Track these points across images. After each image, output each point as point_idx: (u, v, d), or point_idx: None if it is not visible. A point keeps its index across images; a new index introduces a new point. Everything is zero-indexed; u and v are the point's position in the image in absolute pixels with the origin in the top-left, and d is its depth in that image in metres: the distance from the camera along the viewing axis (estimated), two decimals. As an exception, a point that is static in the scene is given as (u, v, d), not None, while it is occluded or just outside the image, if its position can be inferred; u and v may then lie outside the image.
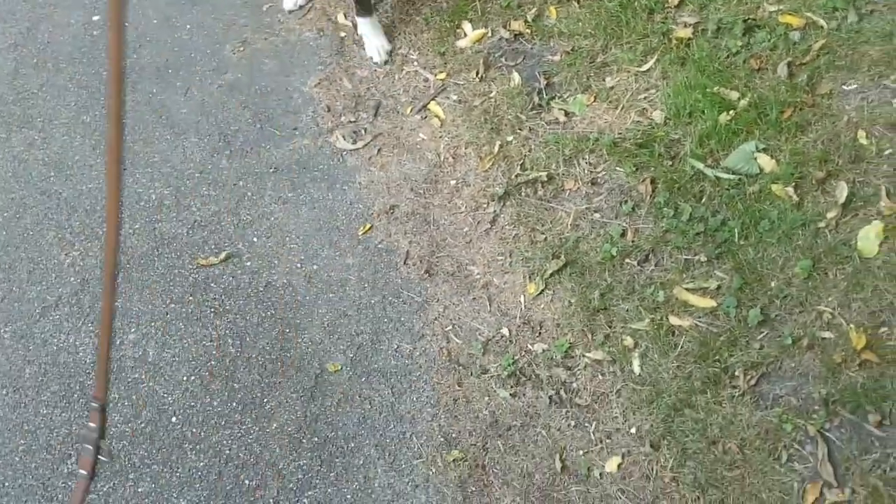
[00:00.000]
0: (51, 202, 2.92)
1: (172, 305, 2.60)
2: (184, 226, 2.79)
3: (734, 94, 2.54)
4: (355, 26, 3.13)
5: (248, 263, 2.66)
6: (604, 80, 2.72)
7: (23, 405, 2.48)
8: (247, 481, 2.22)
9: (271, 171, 2.89)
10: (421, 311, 2.46)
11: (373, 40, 3.06)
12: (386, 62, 3.04)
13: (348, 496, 2.16)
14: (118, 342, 2.53)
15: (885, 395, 1.95)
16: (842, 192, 2.27)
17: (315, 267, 2.62)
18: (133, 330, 2.56)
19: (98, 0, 3.56)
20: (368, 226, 2.67)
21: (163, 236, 2.77)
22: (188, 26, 3.42)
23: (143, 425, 2.37)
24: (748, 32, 2.70)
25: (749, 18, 2.74)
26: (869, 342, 2.02)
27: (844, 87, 2.52)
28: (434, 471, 2.17)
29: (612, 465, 2.08)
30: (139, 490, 2.26)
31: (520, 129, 2.71)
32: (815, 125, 2.45)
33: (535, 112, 2.73)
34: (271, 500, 2.18)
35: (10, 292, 2.71)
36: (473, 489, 2.13)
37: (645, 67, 2.69)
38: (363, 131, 2.92)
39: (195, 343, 2.50)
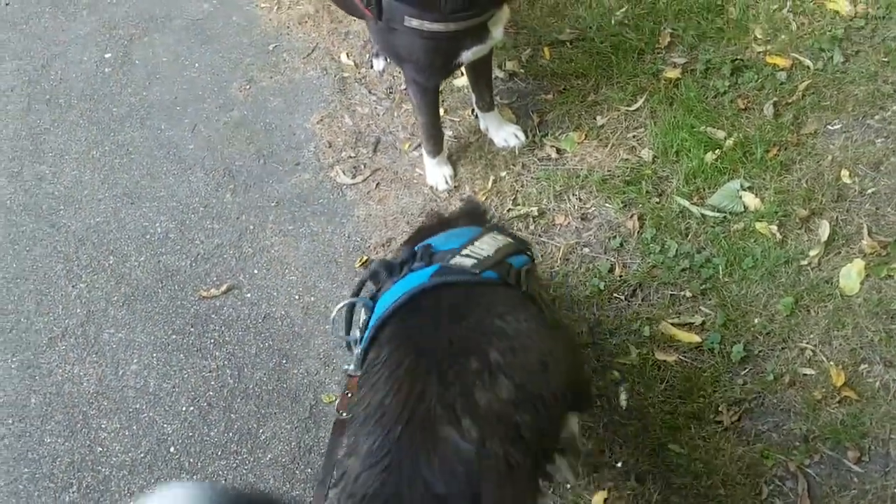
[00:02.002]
0: (59, 235, 3.01)
1: (174, 336, 2.67)
2: (187, 258, 2.87)
3: (721, 133, 2.61)
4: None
5: (248, 295, 2.74)
6: (594, 118, 2.80)
7: (27, 434, 2.56)
8: (241, 511, 2.27)
9: (273, 204, 2.98)
10: (414, 344, 2.51)
11: (436, 170, 2.85)
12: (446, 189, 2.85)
13: (340, 527, 2.21)
14: (120, 373, 2.61)
15: (864, 431, 1.98)
16: (824, 230, 2.33)
17: (312, 299, 2.69)
18: (135, 360, 2.64)
19: (110, 39, 3.69)
20: (365, 258, 2.74)
21: (167, 269, 2.86)
22: (197, 65, 3.53)
23: (142, 455, 2.43)
24: (736, 73, 2.78)
25: (737, 59, 2.81)
26: (849, 379, 2.06)
27: (829, 127, 2.58)
28: None
29: (598, 499, 2.11)
30: (137, 518, 2.32)
31: (513, 165, 2.78)
32: (799, 164, 2.51)
33: (527, 149, 2.81)
34: (265, 530, 2.23)
35: (18, 323, 2.80)
36: None
37: (634, 107, 2.77)
38: (363, 166, 3.00)
39: (195, 374, 2.57)
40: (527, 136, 2.82)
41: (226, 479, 2.32)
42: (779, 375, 2.12)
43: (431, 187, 2.83)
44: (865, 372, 2.07)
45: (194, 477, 2.34)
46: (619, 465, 2.16)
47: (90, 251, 2.95)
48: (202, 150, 3.21)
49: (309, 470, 2.32)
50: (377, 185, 2.94)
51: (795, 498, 1.95)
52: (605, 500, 2.12)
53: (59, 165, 3.25)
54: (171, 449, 2.42)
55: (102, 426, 2.52)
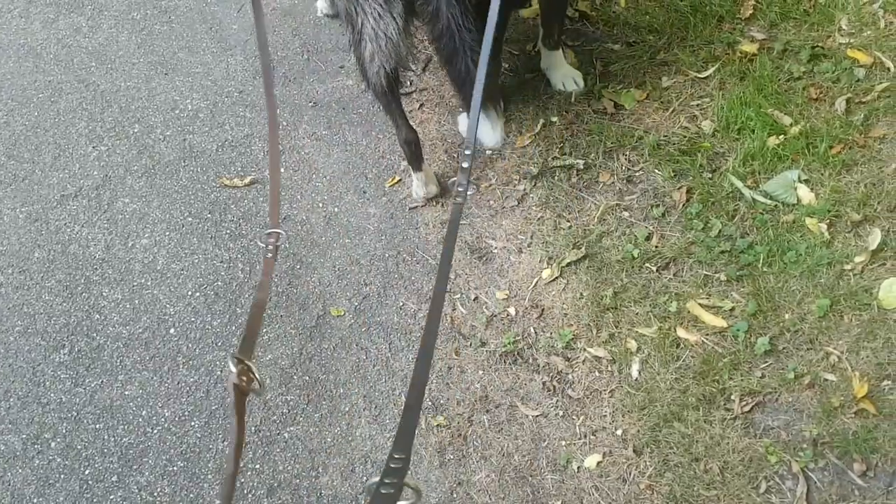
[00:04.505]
0: (87, 92, 2.90)
1: (189, 219, 2.60)
2: (214, 142, 2.78)
3: (787, 119, 2.50)
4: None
5: (271, 192, 2.65)
6: (660, 78, 2.68)
7: (26, 287, 2.50)
8: (232, 405, 2.23)
9: (311, 104, 2.87)
10: (432, 273, 2.46)
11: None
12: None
13: (328, 439, 2.18)
14: (129, 244, 2.54)
15: (876, 447, 1.95)
16: (874, 238, 2.25)
17: (336, 209, 2.61)
18: (147, 235, 2.57)
19: None
20: (397, 178, 2.66)
21: (192, 148, 2.76)
22: (253, -58, 3.36)
23: (140, 330, 2.39)
24: (813, 60, 2.65)
25: (817, 46, 2.68)
26: (870, 392, 2.02)
27: (899, 135, 2.47)
28: (416, 432, 2.18)
29: (591, 461, 2.09)
30: (126, 393, 2.29)
31: (566, 112, 2.68)
32: (861, 166, 2.41)
33: (584, 97, 2.69)
34: (253, 428, 2.20)
35: (32, 174, 2.71)
36: (451, 457, 2.15)
37: (704, 74, 2.65)
38: (409, 83, 2.88)
39: (206, 260, 2.50)
40: (585, 84, 2.70)
41: (222, 371, 2.28)
42: (799, 375, 2.07)
43: None
44: (888, 388, 2.03)
45: (191, 362, 2.30)
46: (619, 432, 2.13)
47: (116, 114, 2.85)
48: (245, 33, 3.08)
49: (306, 378, 2.28)
50: (420, 105, 2.84)
51: (793, 499, 1.92)
52: (599, 463, 2.09)
53: (96, 20, 3.11)
54: (171, 330, 2.38)
55: (104, 294, 2.46)
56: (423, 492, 1.09)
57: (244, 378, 1.12)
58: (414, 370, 1.14)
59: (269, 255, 1.39)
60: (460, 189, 1.39)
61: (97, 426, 2.24)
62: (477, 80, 1.51)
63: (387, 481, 0.96)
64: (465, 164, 1.43)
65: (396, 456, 0.99)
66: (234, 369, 1.11)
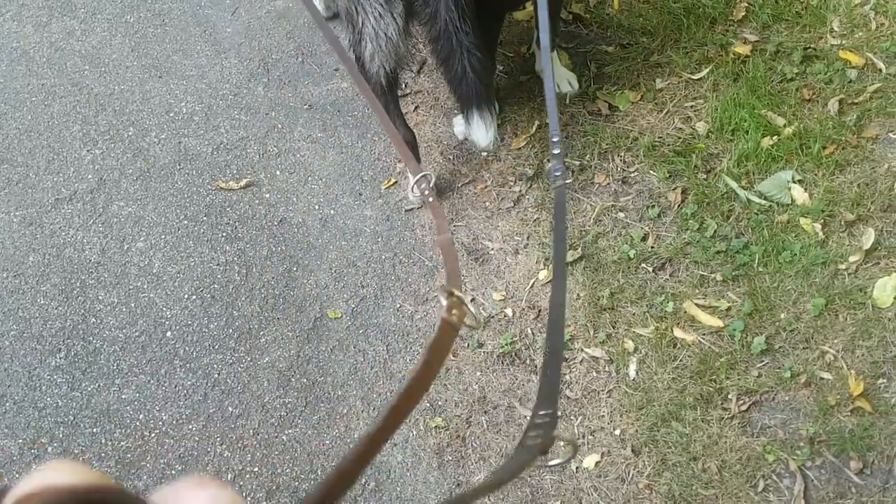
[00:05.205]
0: (81, 95, 2.89)
1: (185, 222, 2.59)
2: (209, 145, 2.77)
3: (780, 120, 2.52)
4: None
5: (267, 195, 2.65)
6: (654, 80, 2.69)
7: (21, 291, 2.49)
8: (230, 408, 2.23)
9: (306, 107, 2.87)
10: (429, 275, 2.46)
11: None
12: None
13: (327, 441, 2.18)
14: (125, 247, 2.53)
15: (872, 444, 1.96)
16: (868, 238, 2.26)
17: (332, 212, 2.61)
18: (142, 238, 2.56)
19: None
20: (392, 181, 2.66)
21: (187, 151, 2.76)
22: (247, -55, 3.36)
23: (136, 334, 2.38)
24: (806, 61, 2.67)
25: (809, 47, 2.70)
26: (866, 390, 2.03)
27: (891, 135, 2.49)
28: (415, 433, 2.18)
29: (590, 461, 2.10)
30: (123, 397, 2.28)
31: (561, 114, 2.68)
32: (854, 167, 2.43)
33: (578, 99, 2.70)
34: (251, 431, 2.20)
35: (27, 177, 2.70)
36: (449, 458, 2.15)
37: (697, 76, 2.66)
38: (404, 85, 2.89)
39: (202, 263, 2.50)
40: (580, 86, 2.71)
41: (220, 374, 2.28)
42: (796, 374, 2.09)
43: None
44: (883, 387, 2.04)
45: (188, 365, 2.30)
46: (618, 432, 2.14)
47: (110, 118, 2.84)
48: (240, 36, 3.08)
49: (304, 380, 2.28)
50: (416, 107, 2.84)
51: (790, 497, 1.94)
52: (598, 463, 2.10)
53: (89, 23, 3.10)
54: (168, 334, 2.37)
55: (100, 297, 2.45)
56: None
57: (454, 311, 0.99)
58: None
59: (431, 198, 1.45)
60: (558, 174, 1.49)
61: (94, 430, 2.22)
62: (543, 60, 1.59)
63: (532, 434, 0.91)
64: (555, 151, 1.55)
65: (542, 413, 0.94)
66: (444, 302, 0.99)
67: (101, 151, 2.76)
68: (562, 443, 0.94)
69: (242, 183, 2.67)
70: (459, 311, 0.99)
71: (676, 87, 2.66)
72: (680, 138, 2.54)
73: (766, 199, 2.37)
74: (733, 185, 2.40)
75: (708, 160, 2.49)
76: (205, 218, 2.60)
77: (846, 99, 2.58)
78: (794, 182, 2.39)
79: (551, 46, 2.65)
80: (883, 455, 1.97)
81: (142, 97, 2.88)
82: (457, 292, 1.00)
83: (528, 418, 0.96)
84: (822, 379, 2.08)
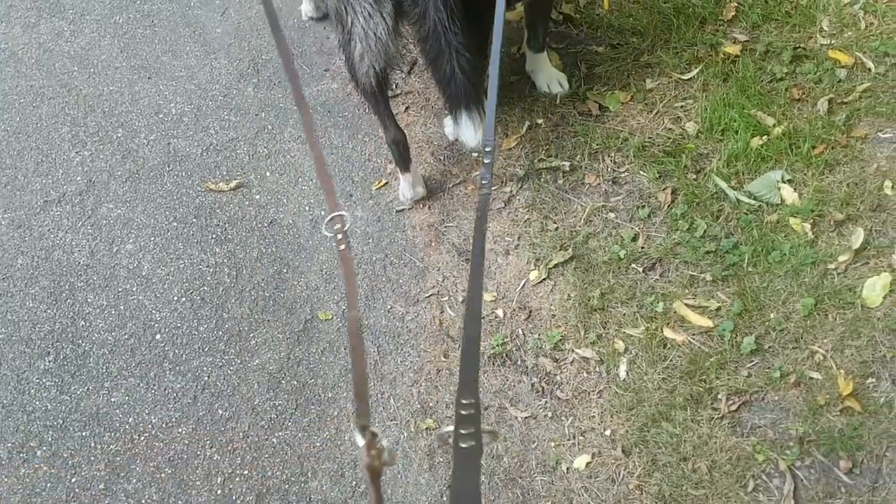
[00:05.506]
0: (70, 97, 2.88)
1: (175, 224, 2.58)
2: (199, 146, 2.76)
3: (770, 120, 2.52)
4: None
5: (258, 197, 2.64)
6: (644, 80, 2.69)
7: (9, 294, 2.48)
8: (220, 411, 2.23)
9: (295, 107, 2.86)
10: (420, 276, 2.46)
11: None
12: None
13: (317, 444, 2.18)
14: (114, 250, 2.52)
15: (861, 444, 1.97)
16: (857, 237, 2.27)
17: (323, 213, 2.61)
18: (132, 240, 2.55)
19: None
20: (383, 181, 2.65)
21: (176, 153, 2.75)
22: (236, -55, 3.35)
23: (126, 336, 2.37)
24: (795, 61, 2.67)
25: (799, 47, 2.71)
26: (855, 390, 2.04)
27: (880, 134, 2.50)
28: (406, 435, 2.18)
29: (580, 462, 2.10)
30: (112, 400, 2.27)
31: (551, 114, 2.68)
32: (843, 166, 2.43)
33: (569, 99, 2.70)
34: (241, 434, 2.19)
35: (15, 180, 2.69)
36: (440, 460, 2.15)
37: (687, 76, 2.66)
38: (394, 86, 2.88)
39: (191, 266, 2.49)
40: (570, 86, 2.71)
41: (209, 377, 2.27)
42: (785, 374, 2.09)
43: None
44: (872, 386, 2.05)
45: (177, 368, 2.29)
46: (608, 433, 2.14)
47: (99, 119, 2.83)
48: (229, 37, 3.07)
49: (294, 382, 2.27)
50: (406, 108, 2.83)
51: (780, 497, 1.94)
52: (588, 463, 2.10)
53: (78, 24, 3.09)
54: (157, 336, 2.36)
55: (89, 300, 2.44)
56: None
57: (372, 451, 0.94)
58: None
59: (342, 246, 1.20)
60: (484, 182, 1.39)
61: (83, 434, 2.22)
62: (490, 77, 1.54)
63: (463, 431, 0.90)
64: (486, 160, 1.46)
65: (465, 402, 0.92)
66: (360, 442, 0.94)
67: (90, 153, 2.74)
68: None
69: (232, 184, 2.67)
70: (377, 451, 0.94)
71: (666, 87, 2.67)
72: (670, 138, 2.54)
73: (755, 198, 2.37)
74: (723, 185, 2.40)
75: (698, 160, 2.49)
76: (194, 220, 2.59)
77: (835, 98, 2.58)
78: (783, 182, 2.39)
79: (540, 47, 2.66)
80: (872, 454, 1.97)
81: (131, 98, 2.87)
82: (371, 428, 0.95)
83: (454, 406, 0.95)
84: (812, 379, 2.09)
